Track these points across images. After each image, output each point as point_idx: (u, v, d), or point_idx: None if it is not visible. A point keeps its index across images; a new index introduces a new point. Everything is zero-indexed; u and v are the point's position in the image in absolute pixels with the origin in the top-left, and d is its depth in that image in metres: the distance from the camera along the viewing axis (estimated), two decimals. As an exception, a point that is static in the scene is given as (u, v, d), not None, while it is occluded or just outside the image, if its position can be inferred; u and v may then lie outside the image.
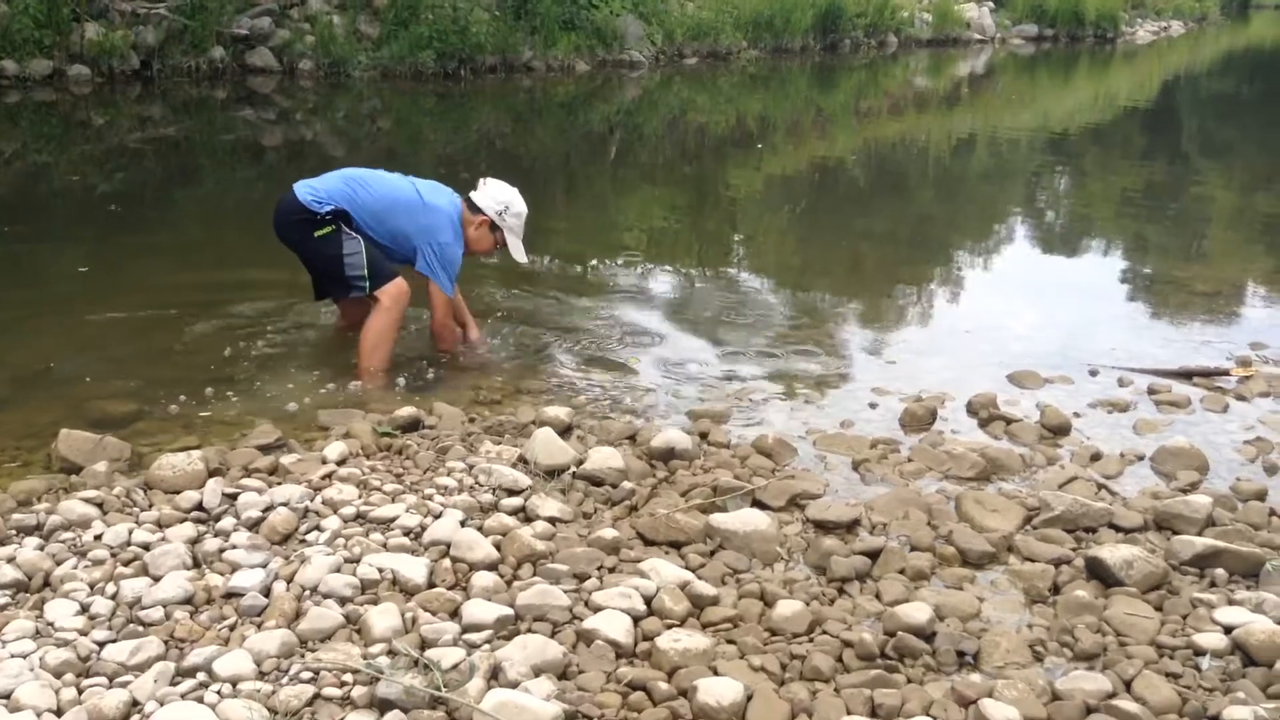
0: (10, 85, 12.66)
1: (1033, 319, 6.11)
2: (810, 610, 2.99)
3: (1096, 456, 4.19)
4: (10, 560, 3.09)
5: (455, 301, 5.11)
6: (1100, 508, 3.60)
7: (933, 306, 6.37)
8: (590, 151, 12.45)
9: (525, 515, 3.51)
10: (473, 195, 4.89)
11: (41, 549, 3.17)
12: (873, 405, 4.71)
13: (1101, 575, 3.22)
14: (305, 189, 4.71)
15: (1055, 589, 3.20)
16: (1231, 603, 3.10)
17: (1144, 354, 5.47)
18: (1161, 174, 12.17)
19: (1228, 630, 2.94)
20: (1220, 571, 3.26)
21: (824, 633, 2.91)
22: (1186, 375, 5.13)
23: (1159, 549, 3.40)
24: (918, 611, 2.93)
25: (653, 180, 11.02)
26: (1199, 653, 2.86)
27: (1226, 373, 5.16)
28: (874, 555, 3.32)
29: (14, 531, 3.27)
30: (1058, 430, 4.43)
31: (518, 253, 4.96)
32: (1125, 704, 2.59)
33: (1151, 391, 4.94)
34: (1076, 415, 4.62)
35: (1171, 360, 5.35)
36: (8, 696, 2.51)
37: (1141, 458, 4.21)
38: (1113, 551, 3.25)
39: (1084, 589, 3.16)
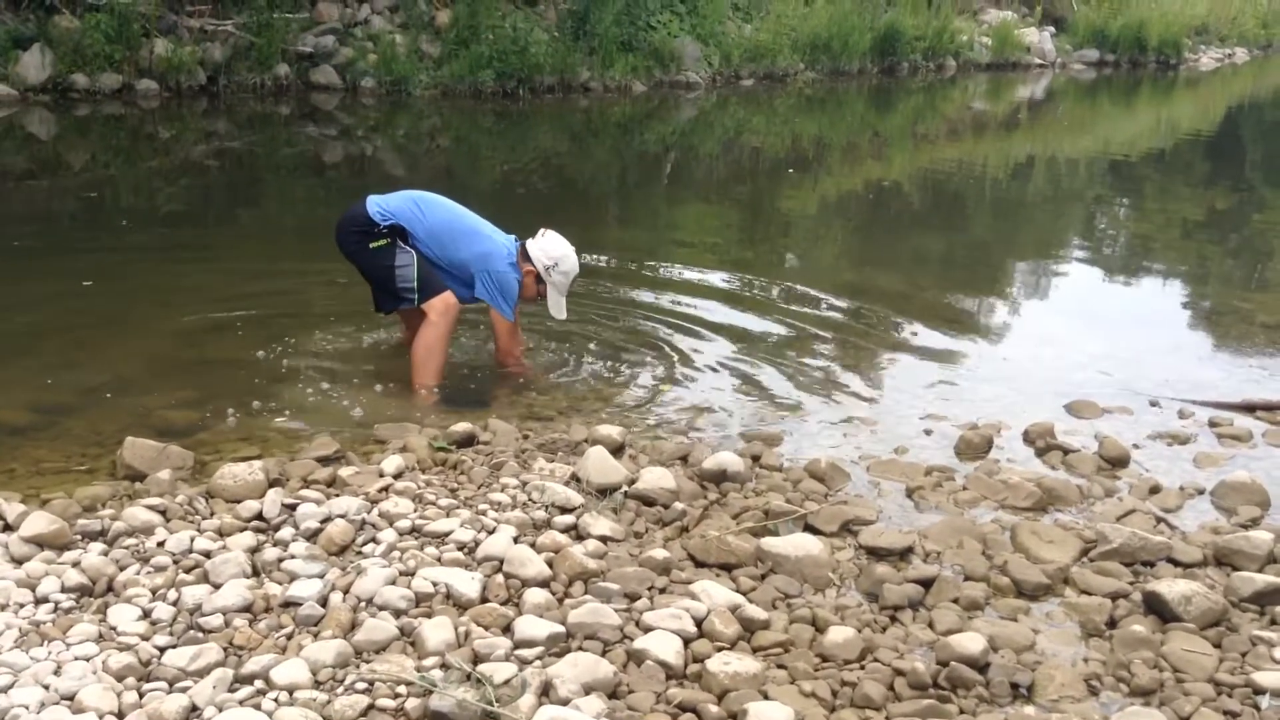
0: (80, 98, 12.97)
1: (1091, 348, 6.04)
2: (862, 637, 2.98)
3: (1156, 489, 4.14)
4: (75, 564, 3.16)
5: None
6: (1159, 541, 3.56)
7: (989, 333, 6.32)
8: (645, 171, 12.51)
9: (577, 533, 3.53)
10: (529, 243, 4.94)
11: (105, 554, 3.24)
12: (928, 432, 4.68)
13: (1159, 610, 3.18)
14: (374, 203, 4.84)
15: (1112, 623, 3.17)
16: (1293, 642, 3.04)
17: (1205, 385, 5.39)
18: (1224, 202, 11.99)
19: (1289, 670, 2.89)
20: (1282, 609, 3.21)
21: (876, 660, 2.90)
22: (1249, 408, 5.04)
23: (1218, 585, 3.35)
24: (971, 642, 2.91)
25: (706, 201, 11.04)
26: (1258, 691, 2.81)
27: (1290, 407, 5.06)
28: (927, 584, 3.30)
29: (79, 536, 3.34)
30: (1116, 462, 4.38)
31: (556, 309, 5.00)
32: (1182, 742, 2.56)
33: (1213, 424, 4.87)
34: (1136, 447, 4.56)
35: (1233, 392, 5.27)
36: (71, 698, 2.57)
37: (1202, 492, 4.15)
38: (1171, 586, 3.21)
39: (1141, 624, 3.12)
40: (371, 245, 4.79)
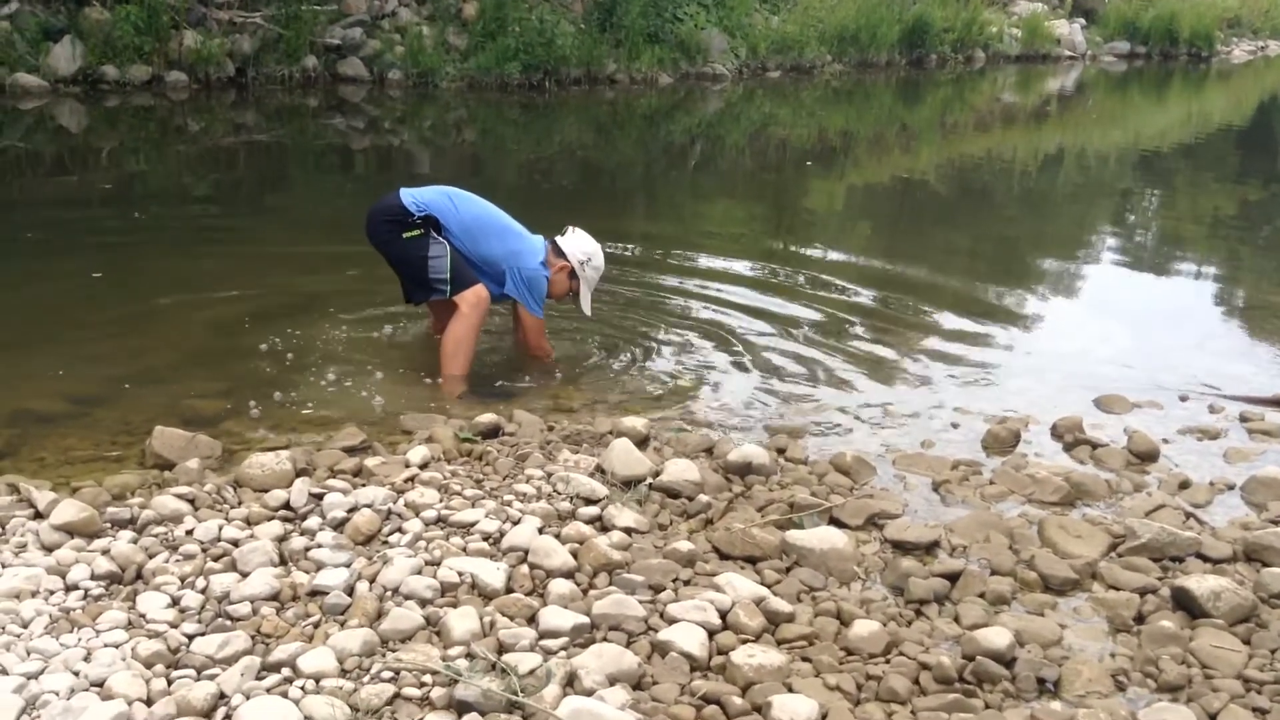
0: (110, 90, 13.08)
1: (1121, 342, 6.00)
2: (887, 631, 2.97)
3: (1185, 484, 4.10)
4: (105, 552, 3.19)
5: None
6: (1188, 537, 3.52)
7: (1017, 327, 6.27)
8: (671, 163, 12.49)
9: (602, 525, 3.54)
10: (559, 240, 4.99)
11: (135, 542, 3.27)
12: (954, 425, 4.66)
13: (1188, 606, 3.15)
14: (407, 194, 4.86)
15: (1140, 618, 3.14)
16: (1324, 639, 3.01)
17: (1236, 380, 5.34)
18: (1256, 195, 11.87)
19: (1319, 667, 2.86)
20: (1313, 607, 3.17)
21: (901, 654, 2.89)
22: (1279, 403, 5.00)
23: (1248, 581, 3.31)
24: (998, 636, 2.89)
25: (732, 192, 11.03)
26: (1288, 689, 2.78)
27: (1322, 402, 5.01)
28: (953, 578, 3.28)
29: (109, 524, 3.37)
30: (1145, 456, 4.34)
31: (585, 305, 5.08)
32: (1211, 739, 2.54)
33: (1243, 419, 4.82)
34: (1165, 441, 4.51)
35: (1264, 387, 5.21)
36: (101, 684, 2.59)
37: (1232, 487, 4.11)
38: (1200, 582, 3.18)
39: (1169, 619, 3.09)
40: (405, 235, 4.80)
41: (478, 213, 4.93)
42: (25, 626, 2.82)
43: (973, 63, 23.10)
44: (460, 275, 4.83)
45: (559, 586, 3.10)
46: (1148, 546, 3.48)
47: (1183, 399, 5.06)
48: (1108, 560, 3.45)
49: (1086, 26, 26.72)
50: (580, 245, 4.98)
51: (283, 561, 3.22)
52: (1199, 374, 5.40)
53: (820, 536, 3.43)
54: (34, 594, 2.97)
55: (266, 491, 3.60)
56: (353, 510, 3.47)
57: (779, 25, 19.69)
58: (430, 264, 4.80)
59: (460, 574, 3.13)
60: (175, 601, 2.97)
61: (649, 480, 3.81)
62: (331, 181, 10.50)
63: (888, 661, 2.86)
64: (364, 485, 3.67)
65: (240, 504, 3.55)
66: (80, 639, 2.78)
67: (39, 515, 3.38)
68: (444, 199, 4.89)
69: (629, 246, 7.46)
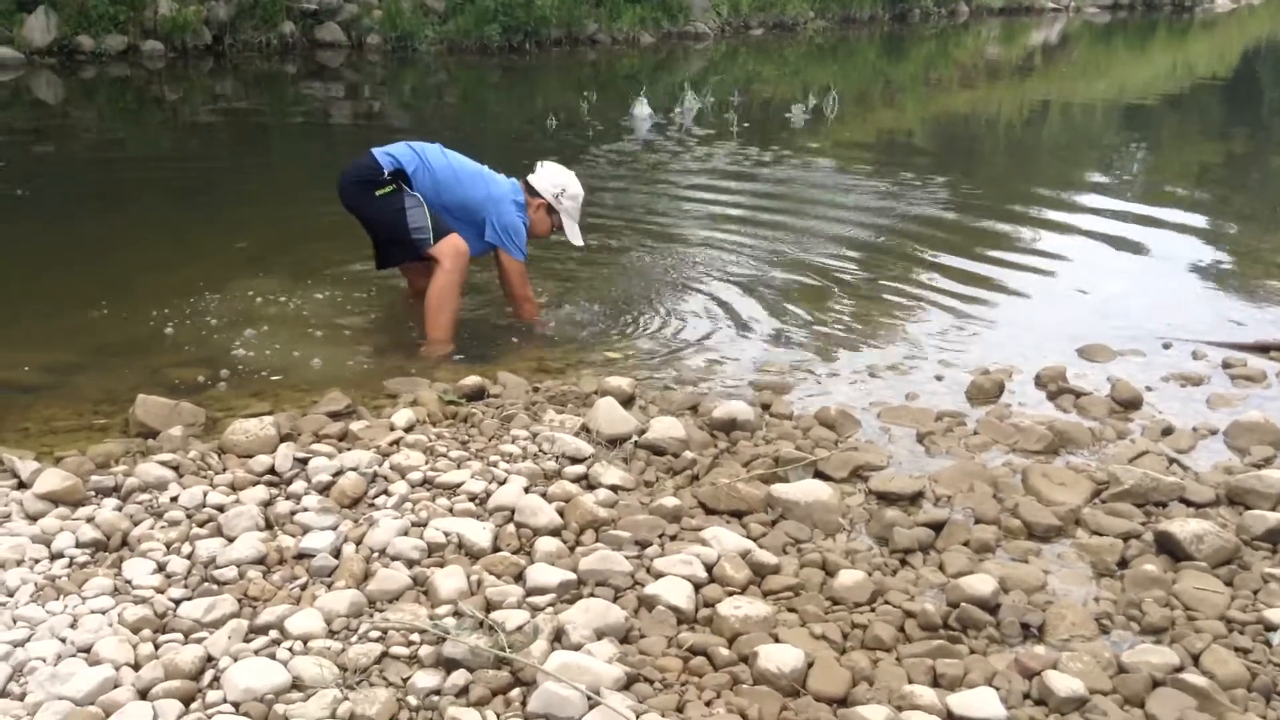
0: (86, 60, 12.95)
1: (1105, 292, 6.00)
2: (872, 580, 2.98)
3: (1168, 431, 4.11)
4: (90, 520, 3.18)
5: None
6: (1171, 482, 3.54)
7: (1002, 278, 6.26)
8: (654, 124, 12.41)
9: (588, 483, 3.54)
10: (530, 178, 4.96)
11: (119, 510, 3.26)
12: (939, 378, 4.66)
13: (1171, 550, 3.17)
14: (379, 151, 4.83)
15: (1123, 563, 3.16)
16: (1305, 579, 3.03)
17: (1219, 327, 5.35)
18: (1241, 145, 11.86)
19: (1300, 606, 2.88)
20: (1294, 547, 3.19)
21: (886, 603, 2.90)
22: (1263, 349, 5.00)
23: (1231, 524, 3.34)
24: (982, 583, 2.91)
25: (716, 150, 10.95)
26: (1270, 628, 2.81)
27: (1305, 347, 5.02)
28: (937, 527, 3.30)
29: (93, 493, 3.37)
30: (1129, 404, 4.35)
31: (574, 236, 5.04)
32: (1192, 678, 2.56)
33: (1226, 365, 4.83)
34: (1148, 389, 4.52)
35: (1248, 334, 5.23)
36: (88, 650, 2.59)
37: (1214, 432, 4.13)
38: (1183, 526, 3.20)
39: (1153, 563, 3.11)
40: (378, 194, 4.76)
41: (446, 161, 4.90)
42: (11, 595, 2.82)
43: (956, 16, 23.01)
44: (437, 225, 4.81)
45: (546, 544, 3.11)
46: (1131, 492, 3.49)
47: (1166, 346, 5.07)
48: (1091, 507, 3.46)
49: (1070, -22, 26.59)
50: (551, 179, 4.95)
51: (268, 526, 3.22)
52: (1183, 322, 5.41)
53: (805, 489, 3.44)
54: (19, 562, 2.97)
55: (251, 457, 3.59)
56: (338, 474, 3.47)
57: (761, -18, 19.56)
58: (408, 215, 4.75)
59: (447, 534, 3.14)
60: (161, 567, 2.97)
61: (634, 438, 3.81)
62: (310, 147, 10.43)
63: (873, 610, 2.87)
64: (349, 449, 3.67)
65: (225, 470, 3.54)
66: (66, 606, 2.78)
67: (23, 485, 3.37)
68: (410, 151, 4.86)
69: (615, 208, 7.44)
